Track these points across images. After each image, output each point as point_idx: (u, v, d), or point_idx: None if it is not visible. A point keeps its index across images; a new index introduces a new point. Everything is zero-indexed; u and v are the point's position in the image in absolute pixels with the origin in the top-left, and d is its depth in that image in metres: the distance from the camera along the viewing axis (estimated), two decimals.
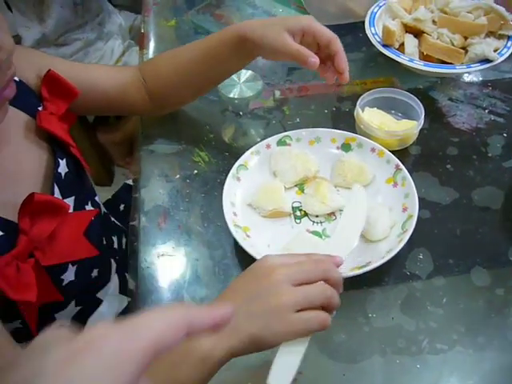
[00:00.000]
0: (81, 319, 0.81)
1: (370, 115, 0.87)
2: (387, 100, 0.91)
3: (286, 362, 0.54)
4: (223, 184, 0.80)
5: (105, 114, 1.53)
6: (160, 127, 0.96)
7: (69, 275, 0.73)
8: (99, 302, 0.84)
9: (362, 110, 0.88)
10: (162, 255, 0.78)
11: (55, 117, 0.75)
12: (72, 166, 0.76)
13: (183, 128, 0.95)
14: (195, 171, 0.88)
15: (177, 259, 0.78)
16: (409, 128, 0.86)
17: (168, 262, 0.78)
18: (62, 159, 0.74)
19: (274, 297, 0.54)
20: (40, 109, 0.74)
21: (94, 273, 0.81)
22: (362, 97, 0.89)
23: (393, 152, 0.83)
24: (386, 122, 0.88)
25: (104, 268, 0.84)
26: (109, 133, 1.91)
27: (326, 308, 0.56)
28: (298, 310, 0.55)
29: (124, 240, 0.97)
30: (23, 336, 0.70)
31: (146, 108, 0.92)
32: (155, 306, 0.74)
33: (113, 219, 0.99)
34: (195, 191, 0.85)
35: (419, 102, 0.88)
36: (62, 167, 0.74)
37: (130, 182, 1.19)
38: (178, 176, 0.88)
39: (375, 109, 0.90)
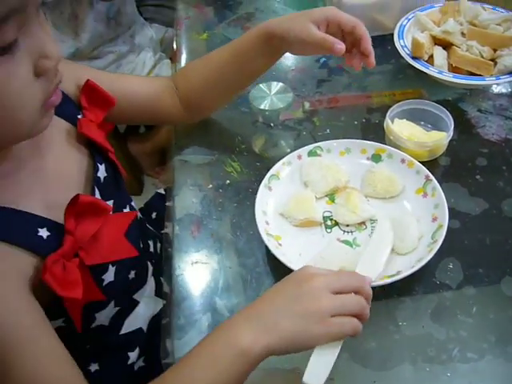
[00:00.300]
0: (119, 319, 0.83)
1: (399, 126, 0.89)
2: (416, 111, 0.92)
3: (321, 362, 0.58)
4: (255, 194, 0.82)
5: (139, 123, 1.56)
6: (193, 138, 0.98)
7: (109, 276, 0.76)
8: (136, 303, 0.86)
9: (392, 122, 0.89)
10: (196, 262, 0.81)
11: (94, 124, 0.79)
12: (110, 171, 0.79)
13: (215, 139, 0.98)
14: (227, 181, 0.90)
15: (210, 266, 0.80)
16: (438, 139, 0.87)
17: (201, 269, 0.80)
18: (101, 164, 0.77)
19: (313, 301, 0.58)
20: (79, 117, 0.77)
21: (132, 274, 0.83)
22: (391, 108, 0.90)
23: (422, 163, 0.84)
24: (416, 134, 0.89)
25: (141, 270, 0.87)
26: (139, 143, 1.95)
27: (358, 317, 0.60)
28: (334, 316, 0.59)
29: (159, 245, 1.00)
30: (64, 335, 0.73)
31: (180, 116, 0.95)
32: (188, 311, 0.76)
33: (147, 225, 1.02)
34: (227, 200, 0.87)
35: (448, 114, 0.89)
36: (101, 172, 0.77)
37: (161, 191, 1.22)
38: (210, 186, 0.90)
39: (405, 120, 0.91)
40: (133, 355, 0.86)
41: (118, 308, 0.81)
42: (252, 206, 0.81)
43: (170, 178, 0.97)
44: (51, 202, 0.68)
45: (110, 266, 0.75)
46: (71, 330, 0.72)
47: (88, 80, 0.79)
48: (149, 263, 0.90)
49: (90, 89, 0.79)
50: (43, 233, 0.65)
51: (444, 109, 0.90)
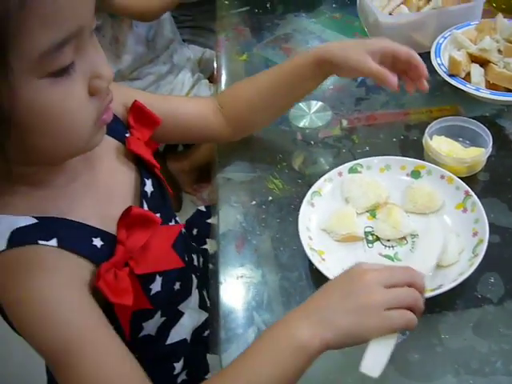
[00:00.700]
0: (165, 329, 0.87)
1: (438, 143, 0.91)
2: (455, 128, 0.94)
3: (377, 353, 0.60)
4: (297, 210, 0.85)
5: (184, 142, 1.60)
6: (235, 156, 1.02)
7: (156, 286, 0.79)
8: (181, 314, 0.90)
9: (431, 138, 0.91)
10: (241, 277, 0.83)
11: (141, 141, 0.83)
12: (156, 186, 0.83)
13: (257, 157, 1.01)
14: (270, 197, 0.93)
15: (254, 280, 0.83)
16: (476, 155, 0.88)
17: (246, 283, 0.83)
18: (148, 179, 0.81)
19: (367, 295, 0.60)
20: (127, 135, 0.81)
21: (177, 286, 0.87)
22: (430, 125, 0.92)
23: (461, 178, 0.85)
24: (454, 150, 0.90)
25: (186, 282, 0.90)
26: (178, 161, 2.00)
27: (412, 310, 0.62)
28: (388, 309, 0.60)
29: (202, 260, 1.03)
30: None
31: (224, 135, 0.99)
32: (234, 324, 0.78)
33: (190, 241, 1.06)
34: (270, 216, 0.90)
35: (487, 130, 0.90)
36: (148, 186, 0.81)
37: (202, 208, 1.26)
38: (253, 202, 0.93)
39: (443, 137, 0.93)
40: (178, 366, 0.89)
41: (164, 318, 0.85)
42: (294, 222, 0.84)
43: (212, 195, 1.00)
44: (103, 213, 0.72)
45: (158, 277, 0.79)
46: (121, 339, 0.76)
47: (135, 101, 0.83)
48: (193, 276, 0.94)
49: (137, 109, 0.83)
50: (97, 242, 0.69)
51: (482, 125, 0.92)
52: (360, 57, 0.84)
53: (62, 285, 0.63)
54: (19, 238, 0.63)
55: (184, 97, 1.41)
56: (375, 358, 0.60)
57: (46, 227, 0.65)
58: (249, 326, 0.78)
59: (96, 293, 0.67)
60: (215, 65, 1.29)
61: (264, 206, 0.92)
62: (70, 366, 0.60)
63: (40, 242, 0.63)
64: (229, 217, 0.92)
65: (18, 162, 0.61)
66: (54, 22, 0.54)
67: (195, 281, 0.94)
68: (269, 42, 1.33)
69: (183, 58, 1.81)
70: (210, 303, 0.84)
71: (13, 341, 0.78)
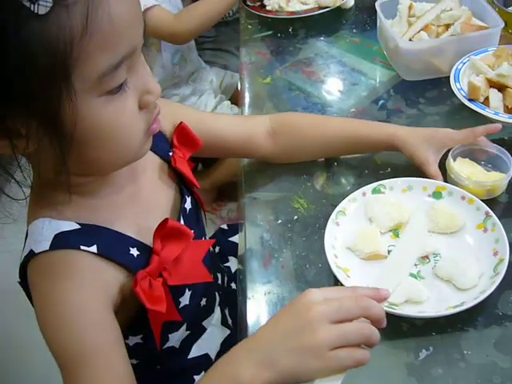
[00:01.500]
0: (188, 343, 0.90)
1: (460, 165, 0.94)
2: (479, 152, 0.97)
3: None
4: (322, 228, 0.88)
5: (228, 157, 1.63)
6: (261, 177, 1.05)
7: (185, 299, 0.83)
8: (204, 329, 0.93)
9: (454, 160, 0.94)
10: (269, 293, 0.86)
11: (184, 160, 0.87)
12: (194, 204, 0.87)
13: (282, 177, 1.04)
14: (295, 217, 0.96)
15: (281, 297, 0.86)
16: (497, 180, 0.91)
17: (273, 299, 0.85)
18: (188, 197, 0.86)
19: (310, 335, 0.58)
20: (170, 154, 0.85)
21: (203, 301, 0.90)
22: (454, 147, 0.95)
23: (481, 199, 0.88)
24: (476, 173, 0.93)
25: (210, 299, 0.94)
26: (198, 180, 2.03)
27: (366, 344, 0.60)
28: (335, 348, 0.58)
29: (226, 279, 1.06)
30: (140, 353, 0.80)
31: (269, 157, 1.03)
32: None
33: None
34: (296, 235, 0.93)
35: (509, 155, 0.93)
36: (188, 203, 0.85)
37: (224, 226, 1.29)
38: (279, 221, 0.96)
39: (467, 159, 0.96)
40: (198, 378, 0.92)
41: (188, 332, 0.88)
42: (319, 240, 0.87)
43: (231, 214, 1.03)
44: (141, 225, 0.77)
45: (187, 291, 0.83)
46: (147, 348, 0.79)
47: (181, 122, 0.87)
48: (216, 293, 0.97)
49: (182, 130, 0.87)
50: (134, 252, 0.73)
51: (505, 150, 0.94)
52: (424, 158, 0.93)
53: (88, 296, 0.67)
54: (62, 241, 0.67)
55: (233, 117, 1.46)
56: None
57: (88, 234, 0.69)
58: None
59: (128, 301, 0.71)
60: (239, 87, 1.33)
61: (289, 225, 0.95)
62: (78, 376, 0.63)
63: (82, 247, 0.67)
64: (255, 235, 0.95)
65: (72, 173, 0.65)
66: (112, 45, 0.58)
67: (218, 298, 0.97)
68: (291, 65, 1.37)
69: (206, 81, 1.86)
70: (238, 319, 0.86)
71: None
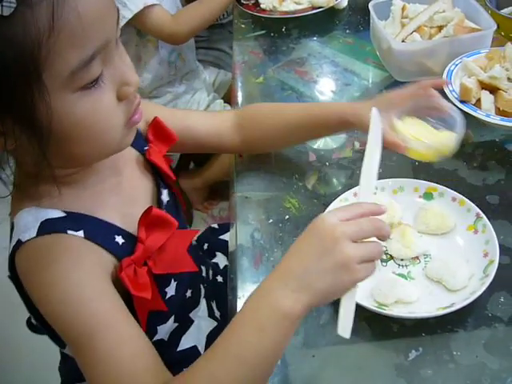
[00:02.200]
0: (177, 335, 0.91)
1: (407, 124, 0.89)
2: (430, 110, 0.91)
3: (347, 310, 0.63)
4: None
5: (198, 152, 1.65)
6: (252, 176, 1.05)
7: (171, 289, 0.84)
8: (191, 321, 0.94)
9: (401, 119, 0.89)
10: None
11: (160, 154, 0.88)
12: (171, 197, 0.88)
13: (274, 177, 1.04)
14: (287, 216, 0.96)
15: None
16: (443, 140, 0.86)
17: None
18: (165, 189, 0.86)
19: (340, 253, 0.61)
20: (146, 148, 0.86)
21: (188, 293, 0.91)
22: (402, 107, 0.90)
23: (472, 200, 0.88)
24: (423, 133, 0.88)
25: (195, 290, 0.95)
26: (189, 179, 2.04)
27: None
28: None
29: (211, 272, 1.07)
30: None
31: (237, 149, 1.05)
32: None
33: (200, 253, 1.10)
34: (287, 234, 0.93)
35: (459, 113, 0.89)
36: (165, 196, 0.86)
37: (215, 225, 1.29)
38: (271, 220, 0.96)
39: (415, 118, 0.90)
40: None
41: (176, 324, 0.88)
42: None
43: (223, 213, 1.03)
44: (126, 214, 0.77)
45: (172, 281, 0.83)
46: None
47: (156, 117, 0.88)
48: (201, 286, 0.97)
49: (156, 125, 0.88)
50: (119, 240, 0.74)
51: (456, 109, 0.90)
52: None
53: (85, 271, 0.67)
54: (49, 227, 0.67)
55: (203, 112, 1.48)
56: (347, 316, 0.63)
57: (74, 220, 0.70)
58: None
59: (116, 286, 0.70)
60: (232, 87, 1.33)
61: (281, 225, 0.95)
62: (90, 348, 0.63)
63: (69, 231, 0.68)
64: (246, 234, 0.95)
65: (56, 166, 0.65)
66: (81, 41, 0.58)
67: (203, 291, 0.98)
68: (284, 65, 1.37)
69: (199, 79, 1.86)
70: (228, 315, 0.87)
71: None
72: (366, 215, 0.65)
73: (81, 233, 0.69)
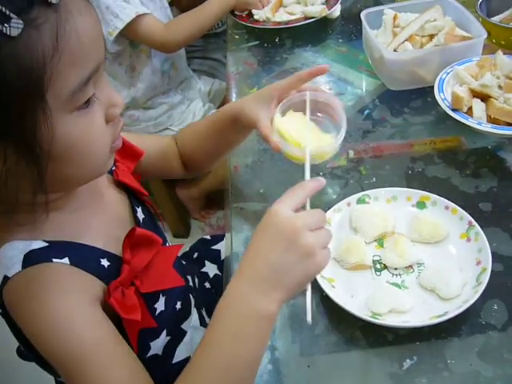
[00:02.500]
0: (170, 348, 0.91)
1: (289, 121, 0.86)
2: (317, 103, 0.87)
3: (309, 297, 0.67)
4: None
5: (150, 177, 1.66)
6: (247, 187, 1.06)
7: (160, 305, 0.84)
8: (184, 332, 0.94)
9: (284, 114, 0.86)
10: None
11: (128, 172, 0.88)
12: (146, 213, 0.88)
13: (268, 187, 1.05)
14: None
15: None
16: (323, 143, 0.84)
17: None
18: (138, 207, 0.87)
19: (304, 243, 0.63)
20: (114, 168, 0.86)
21: (178, 305, 0.91)
22: (284, 100, 0.88)
23: (464, 208, 0.89)
24: (303, 133, 0.82)
25: (185, 301, 0.95)
26: (187, 188, 2.05)
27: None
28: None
29: (197, 281, 1.08)
30: None
31: (181, 173, 1.06)
32: None
33: (184, 262, 1.10)
34: None
35: (343, 114, 0.85)
36: (140, 213, 0.86)
37: (207, 237, 1.30)
38: None
39: (300, 113, 0.87)
40: None
41: (169, 337, 0.89)
42: None
43: (220, 222, 1.04)
44: (109, 236, 0.77)
45: (161, 296, 0.83)
46: None
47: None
48: (191, 295, 0.98)
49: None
50: (104, 263, 0.74)
51: (340, 107, 0.86)
52: (257, 115, 0.88)
53: (74, 299, 0.67)
54: (33, 258, 0.67)
55: (152, 136, 1.52)
56: (309, 304, 0.67)
57: (57, 249, 0.69)
58: None
59: (105, 309, 0.71)
60: (227, 97, 1.34)
61: None
62: (80, 373, 0.63)
63: (54, 259, 0.68)
64: (241, 243, 0.96)
65: (39, 192, 0.64)
66: (80, 61, 0.59)
67: (193, 300, 0.99)
68: (278, 75, 1.38)
69: (194, 89, 1.87)
70: (208, 320, 0.88)
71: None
72: (312, 194, 0.70)
73: (66, 260, 0.68)
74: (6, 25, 0.53)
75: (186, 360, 0.92)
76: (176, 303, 0.91)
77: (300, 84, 0.91)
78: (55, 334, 0.65)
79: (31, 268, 0.66)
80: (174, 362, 0.92)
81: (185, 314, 0.95)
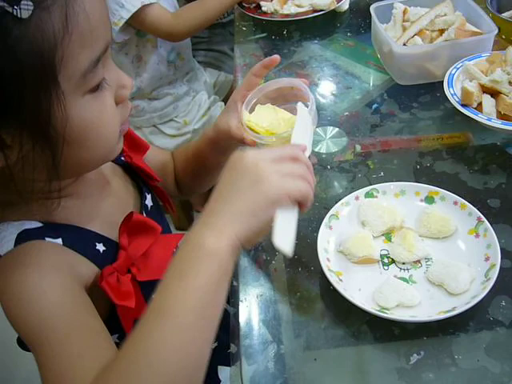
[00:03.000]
0: None
1: (260, 114, 0.84)
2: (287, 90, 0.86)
3: (285, 227, 0.61)
4: (314, 231, 0.88)
5: None
6: None
7: None
8: None
9: (252, 109, 0.85)
10: (261, 295, 0.86)
11: (140, 158, 0.89)
12: (155, 202, 0.88)
13: None
14: None
15: (273, 299, 0.86)
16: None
17: (265, 302, 0.86)
18: (148, 194, 0.87)
19: (262, 172, 0.61)
20: (123, 158, 0.87)
21: None
22: (251, 95, 0.86)
23: (473, 204, 0.88)
24: (276, 122, 0.82)
25: None
26: None
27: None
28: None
29: None
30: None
31: (175, 191, 1.06)
32: (255, 341, 0.81)
33: None
34: None
35: (310, 94, 0.82)
36: (148, 200, 0.86)
37: None
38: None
39: (268, 105, 0.86)
40: None
41: None
42: (312, 244, 0.87)
43: None
44: (107, 221, 0.77)
45: None
46: None
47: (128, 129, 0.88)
48: None
49: (128, 135, 0.87)
50: (100, 247, 0.73)
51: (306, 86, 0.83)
52: (227, 123, 0.88)
53: (50, 281, 0.64)
54: (26, 236, 0.67)
55: (159, 148, 1.54)
56: (284, 233, 0.61)
57: (52, 230, 0.69)
58: (269, 344, 0.80)
59: (99, 295, 0.70)
60: (233, 90, 1.33)
61: None
62: (43, 354, 0.60)
63: (47, 238, 0.67)
64: None
65: (57, 178, 0.64)
66: (90, 42, 0.59)
67: None
68: (285, 68, 1.37)
69: (200, 81, 1.86)
70: (229, 320, 0.86)
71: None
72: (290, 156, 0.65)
73: (59, 240, 0.68)
74: (16, 7, 0.52)
75: None
76: None
77: (258, 79, 0.89)
78: (20, 306, 0.63)
79: (22, 245, 0.66)
80: None
81: None
